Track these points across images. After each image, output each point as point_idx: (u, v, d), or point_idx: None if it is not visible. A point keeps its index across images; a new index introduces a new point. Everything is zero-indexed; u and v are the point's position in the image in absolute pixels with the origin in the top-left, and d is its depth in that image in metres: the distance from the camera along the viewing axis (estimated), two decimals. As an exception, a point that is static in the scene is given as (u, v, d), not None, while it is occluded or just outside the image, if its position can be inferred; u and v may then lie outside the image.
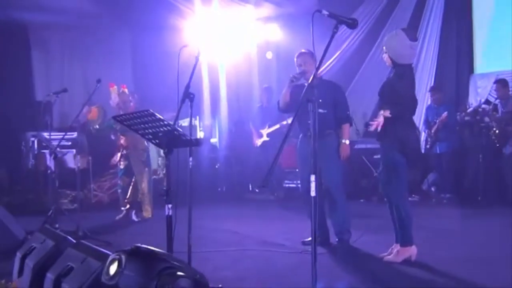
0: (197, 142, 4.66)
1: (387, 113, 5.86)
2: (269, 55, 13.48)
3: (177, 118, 4.68)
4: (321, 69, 6.99)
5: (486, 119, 10.11)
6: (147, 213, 9.28)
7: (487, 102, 10.46)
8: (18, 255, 4.68)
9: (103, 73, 11.30)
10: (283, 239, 7.38)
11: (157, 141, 4.58)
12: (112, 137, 9.45)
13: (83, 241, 4.30)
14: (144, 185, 9.23)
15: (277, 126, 11.57)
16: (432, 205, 10.14)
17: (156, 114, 4.37)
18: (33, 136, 11.09)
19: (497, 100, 10.09)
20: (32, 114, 11.93)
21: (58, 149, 7.94)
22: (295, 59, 7.05)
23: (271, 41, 13.43)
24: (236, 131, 13.35)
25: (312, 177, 3.77)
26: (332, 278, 5.46)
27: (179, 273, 3.32)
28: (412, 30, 7.55)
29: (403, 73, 6.04)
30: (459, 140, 10.65)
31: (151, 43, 12.85)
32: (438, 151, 10.54)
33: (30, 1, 11.57)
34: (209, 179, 12.48)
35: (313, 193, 3.77)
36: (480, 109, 10.34)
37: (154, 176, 11.32)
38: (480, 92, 11.14)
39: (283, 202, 11.08)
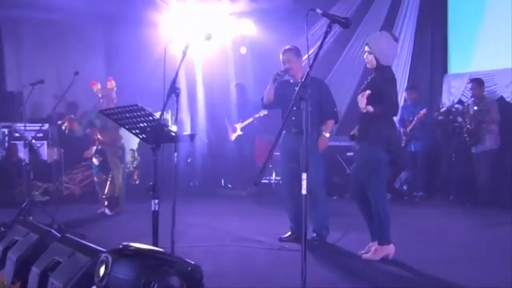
0: (191, 137, 4.63)
1: (371, 108, 5.82)
2: (243, 50, 13.48)
3: (162, 113, 4.62)
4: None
5: (459, 118, 10.25)
6: (120, 207, 9.25)
7: (460, 102, 10.60)
8: (-1, 248, 4.62)
9: (75, 65, 11.15)
10: (260, 235, 7.37)
11: (144, 136, 4.54)
12: (87, 131, 9.34)
13: (68, 235, 4.24)
14: (120, 181, 9.19)
15: (250, 119, 11.62)
16: (404, 203, 10.22)
17: (146, 109, 4.33)
18: (4, 127, 10.93)
19: (471, 99, 10.19)
20: (2, 105, 11.76)
21: (33, 141, 7.84)
22: (280, 56, 7.01)
23: (246, 36, 13.42)
24: (210, 125, 13.34)
25: (304, 175, 3.76)
26: (311, 275, 5.47)
27: (167, 269, 3.31)
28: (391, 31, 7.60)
29: (391, 76, 6.08)
30: (433, 139, 10.78)
31: (125, 37, 12.74)
32: (412, 149, 10.63)
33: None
34: (181, 173, 12.43)
35: (304, 191, 3.76)
36: (453, 109, 10.47)
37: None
38: (453, 92, 11.24)
39: (255, 198, 11.08)
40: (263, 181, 11.86)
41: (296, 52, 6.94)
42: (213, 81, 13.46)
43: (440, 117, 10.65)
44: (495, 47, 10.50)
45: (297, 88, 3.88)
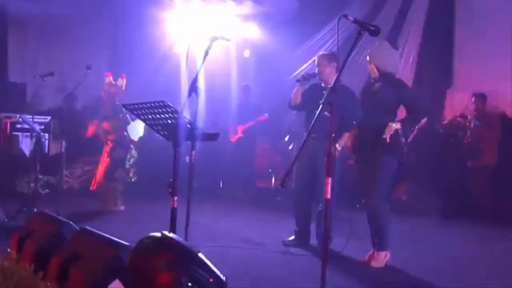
0: (214, 136, 4.65)
1: (398, 126, 5.96)
2: (246, 53, 13.51)
3: (182, 111, 4.64)
4: (301, 68, 7.13)
5: (460, 132, 10.32)
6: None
7: (463, 116, 10.67)
8: (15, 236, 4.61)
9: (79, 60, 11.23)
10: (263, 238, 7.43)
11: (165, 132, 4.57)
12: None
13: (87, 227, 4.25)
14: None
15: (253, 122, 11.66)
16: (402, 213, 10.24)
17: (171, 105, 4.36)
18: (6, 117, 10.88)
19: (473, 114, 10.25)
20: (5, 95, 11.73)
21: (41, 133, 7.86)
22: (315, 58, 7.15)
23: (249, 39, 13.45)
24: (211, 126, 13.34)
25: (328, 180, 3.80)
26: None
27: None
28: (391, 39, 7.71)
29: (399, 80, 6.22)
30: (432, 151, 10.82)
31: (131, 33, 12.75)
32: (412, 160, 10.65)
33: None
34: (181, 173, 12.40)
35: (328, 195, 3.81)
36: (455, 122, 10.54)
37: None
38: (456, 106, 11.30)
39: (255, 202, 11.09)
40: (261, 185, 11.90)
41: (328, 57, 7.01)
42: (215, 82, 13.48)
43: (441, 130, 10.70)
44: (499, 64, 10.56)
45: (325, 93, 3.92)
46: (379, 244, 6.24)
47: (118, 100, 8.98)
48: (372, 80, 6.34)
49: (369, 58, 6.26)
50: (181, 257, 3.21)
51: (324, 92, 3.91)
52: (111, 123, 9.06)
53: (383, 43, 6.39)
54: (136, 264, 3.37)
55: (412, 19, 11.85)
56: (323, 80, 6.95)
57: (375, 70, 6.20)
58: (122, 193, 9.48)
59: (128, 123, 9.30)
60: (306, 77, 6.98)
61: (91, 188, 9.47)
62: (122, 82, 9.16)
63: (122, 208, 9.30)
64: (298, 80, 7.03)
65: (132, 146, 12.77)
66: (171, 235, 3.37)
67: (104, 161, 9.19)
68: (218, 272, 3.35)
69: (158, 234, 3.42)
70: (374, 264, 6.16)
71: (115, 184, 9.29)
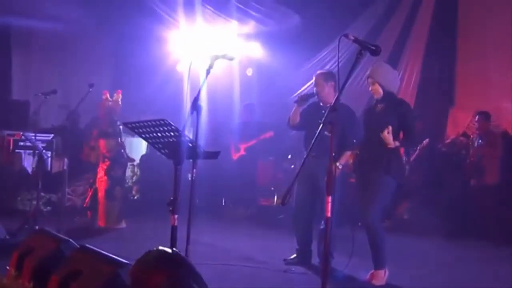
0: (215, 155, 4.65)
1: (397, 143, 5.97)
2: (249, 71, 13.54)
3: (184, 129, 4.66)
4: (304, 87, 7.15)
5: (463, 151, 10.31)
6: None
7: (465, 134, 10.67)
8: (15, 254, 4.60)
9: (82, 78, 11.27)
10: (265, 256, 7.41)
11: (166, 151, 4.58)
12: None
13: (87, 245, 4.25)
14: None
15: (255, 141, 11.67)
16: (404, 232, 10.21)
17: (172, 123, 4.37)
18: (9, 135, 10.93)
19: (476, 132, 10.24)
20: (8, 113, 11.78)
21: (44, 151, 7.88)
22: (313, 78, 7.13)
23: (252, 58, 13.49)
24: (213, 144, 13.34)
25: (329, 198, 3.81)
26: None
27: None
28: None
29: (408, 106, 6.26)
30: (435, 170, 10.80)
31: (134, 51, 12.80)
32: (415, 179, 10.65)
33: (14, 4, 11.48)
34: (183, 191, 12.39)
35: (328, 214, 3.81)
36: (457, 141, 10.53)
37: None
38: (458, 124, 11.31)
39: (256, 219, 11.05)
40: (263, 203, 11.88)
41: (325, 76, 7.03)
42: (217, 101, 13.52)
43: (443, 149, 10.70)
44: (502, 82, 10.58)
45: (324, 112, 3.95)
46: (376, 262, 6.25)
47: (115, 115, 9.02)
48: (376, 101, 6.34)
49: (373, 76, 6.23)
50: (180, 272, 3.20)
51: (323, 111, 3.95)
52: (107, 142, 9.06)
53: (383, 64, 6.43)
54: (137, 279, 3.37)
55: (414, 37, 11.88)
56: (322, 100, 6.97)
57: (380, 90, 6.19)
58: (123, 210, 9.46)
59: (120, 133, 9.31)
60: (304, 98, 7.03)
61: (84, 205, 9.45)
62: (117, 97, 9.21)
63: (124, 225, 9.28)
64: (296, 101, 7.05)
65: (133, 163, 12.90)
66: (170, 250, 3.37)
67: (103, 179, 9.18)
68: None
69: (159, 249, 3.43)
70: (376, 282, 6.16)
71: (115, 202, 9.28)
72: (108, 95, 9.28)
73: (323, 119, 3.94)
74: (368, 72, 6.41)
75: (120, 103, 9.30)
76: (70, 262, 4.05)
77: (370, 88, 6.31)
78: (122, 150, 9.38)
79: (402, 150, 6.33)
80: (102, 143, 9.18)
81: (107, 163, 9.18)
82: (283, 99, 12.36)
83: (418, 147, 10.40)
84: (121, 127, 9.18)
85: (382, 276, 6.19)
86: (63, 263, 4.10)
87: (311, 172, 6.61)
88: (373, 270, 6.29)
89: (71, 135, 10.97)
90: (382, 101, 6.26)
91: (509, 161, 9.90)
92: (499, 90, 10.64)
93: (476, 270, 7.40)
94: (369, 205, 6.15)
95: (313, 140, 4.03)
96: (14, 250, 4.61)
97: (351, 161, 6.71)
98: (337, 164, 6.78)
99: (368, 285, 6.17)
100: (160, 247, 3.41)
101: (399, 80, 6.68)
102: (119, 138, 9.19)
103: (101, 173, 9.19)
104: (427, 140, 10.34)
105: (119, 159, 9.24)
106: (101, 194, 9.19)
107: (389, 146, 5.95)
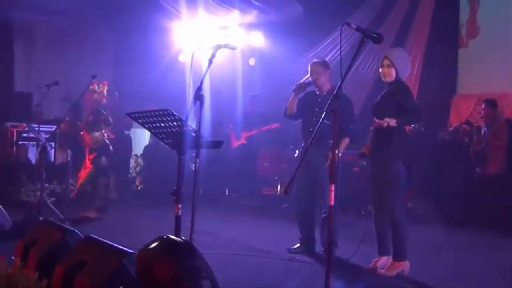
0: (218, 144, 4.66)
1: (393, 122, 5.87)
2: (252, 61, 13.55)
3: (187, 119, 4.67)
4: (307, 76, 7.11)
5: (466, 139, 10.29)
6: None
7: (468, 122, 10.64)
8: (19, 244, 4.62)
9: (85, 69, 11.23)
10: (268, 246, 7.41)
11: (170, 141, 4.59)
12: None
13: (92, 235, 4.26)
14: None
15: (257, 130, 11.69)
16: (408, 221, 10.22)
17: (175, 113, 4.38)
18: (13, 126, 10.96)
19: (482, 120, 10.20)
20: (11, 105, 11.79)
21: (47, 142, 7.90)
22: (308, 67, 7.10)
23: (255, 48, 13.49)
24: (216, 133, 13.35)
25: (332, 187, 3.82)
26: None
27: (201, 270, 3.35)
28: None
29: (407, 88, 6.18)
30: (437, 158, 10.78)
31: (136, 43, 12.80)
32: (418, 167, 10.60)
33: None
34: (186, 180, 12.41)
35: (331, 202, 3.82)
36: (461, 129, 10.51)
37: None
38: (461, 112, 11.29)
39: (260, 209, 11.06)
40: (267, 192, 11.90)
41: (324, 65, 7.07)
42: (220, 90, 13.51)
43: (447, 137, 10.68)
44: (504, 69, 10.55)
45: (320, 100, 3.95)
46: (396, 252, 6.15)
47: (101, 106, 9.03)
48: (386, 85, 6.25)
49: (390, 58, 6.07)
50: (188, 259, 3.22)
51: (319, 99, 3.95)
52: (91, 134, 9.05)
53: (402, 49, 6.33)
54: (145, 266, 3.39)
55: (417, 25, 11.86)
56: (318, 87, 6.96)
57: (393, 73, 6.09)
58: (103, 201, 9.45)
59: (110, 124, 9.28)
60: (302, 87, 7.01)
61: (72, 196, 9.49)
62: (103, 88, 9.19)
63: (100, 215, 9.23)
64: (294, 90, 7.04)
65: (137, 154, 12.92)
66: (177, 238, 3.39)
67: (87, 167, 9.17)
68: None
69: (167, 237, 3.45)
70: (386, 272, 6.10)
71: (97, 191, 9.26)
72: (96, 86, 9.26)
73: (325, 107, 3.94)
74: (387, 53, 6.24)
75: (105, 94, 9.29)
76: (75, 252, 4.07)
77: (382, 70, 6.14)
78: (108, 141, 9.33)
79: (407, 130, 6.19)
80: (86, 135, 9.16)
81: (94, 154, 9.17)
82: (285, 88, 12.36)
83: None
84: (109, 118, 9.16)
85: (400, 267, 6.10)
86: (68, 253, 4.11)
87: (311, 161, 6.58)
88: (377, 258, 6.26)
89: (74, 126, 11.00)
90: (390, 85, 6.18)
91: (512, 149, 9.87)
92: (502, 76, 10.59)
93: (479, 259, 7.40)
94: (385, 196, 6.11)
95: (316, 128, 4.03)
96: (19, 241, 4.63)
97: (364, 151, 6.58)
98: (336, 151, 6.75)
99: (372, 274, 6.15)
100: (169, 235, 3.43)
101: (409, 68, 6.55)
102: (104, 130, 9.16)
103: (87, 163, 9.18)
104: (423, 127, 10.30)
105: (105, 150, 9.23)
106: (80, 181, 9.15)
107: (383, 124, 5.84)
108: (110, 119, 9.26)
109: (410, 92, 6.24)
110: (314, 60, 7.25)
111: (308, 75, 7.06)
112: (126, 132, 12.13)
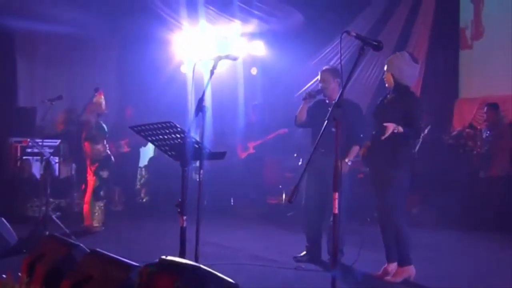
0: (221, 155, 4.67)
1: (401, 129, 5.86)
2: (254, 71, 13.56)
3: (189, 131, 4.68)
4: (308, 84, 7.14)
5: (470, 143, 10.28)
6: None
7: (471, 126, 10.64)
8: (26, 260, 4.63)
9: (87, 81, 11.29)
10: (275, 255, 7.42)
11: (173, 153, 4.60)
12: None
13: (98, 249, 4.26)
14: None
15: (266, 138, 11.71)
16: (412, 226, 10.18)
17: (178, 126, 4.39)
18: (16, 142, 10.97)
19: (484, 124, 10.22)
20: (15, 120, 11.81)
21: (51, 157, 7.92)
22: (319, 74, 7.11)
23: (256, 57, 13.50)
24: (219, 144, 13.35)
25: (335, 195, 3.82)
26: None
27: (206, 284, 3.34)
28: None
29: (416, 98, 6.20)
30: (441, 162, 10.77)
31: (138, 54, 12.82)
32: (421, 171, 10.58)
33: (17, 8, 11.49)
34: (190, 191, 12.40)
35: (335, 210, 3.82)
36: (464, 133, 10.50)
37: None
38: (464, 116, 11.28)
39: (265, 218, 11.06)
40: (272, 201, 11.90)
41: (332, 72, 7.03)
42: (223, 100, 13.53)
43: (450, 141, 10.67)
44: (506, 72, 10.55)
45: (330, 109, 3.95)
46: (400, 259, 6.17)
47: (99, 117, 9.02)
48: (388, 92, 6.30)
49: (387, 66, 6.20)
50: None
51: (329, 108, 3.92)
52: (93, 147, 9.02)
53: (404, 54, 6.31)
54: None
55: (418, 30, 11.88)
56: (328, 96, 6.97)
57: (391, 79, 6.15)
58: (105, 213, 9.41)
59: (106, 134, 9.25)
60: (312, 95, 7.01)
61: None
62: (99, 98, 9.11)
63: (102, 228, 9.20)
64: (304, 98, 7.04)
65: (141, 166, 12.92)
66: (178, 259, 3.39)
67: (92, 180, 9.14)
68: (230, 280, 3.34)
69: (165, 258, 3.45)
70: (393, 278, 6.10)
71: (100, 203, 9.23)
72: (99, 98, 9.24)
73: (327, 115, 3.95)
74: (387, 59, 6.35)
75: (102, 104, 9.22)
76: (81, 267, 4.06)
77: (384, 76, 6.29)
78: (109, 152, 9.30)
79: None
80: (88, 147, 9.13)
81: (96, 164, 9.14)
82: (288, 97, 12.40)
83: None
84: (105, 126, 9.13)
85: (405, 273, 6.10)
86: (74, 268, 4.11)
87: (320, 169, 6.58)
88: (386, 265, 6.26)
89: (78, 139, 11.00)
90: (392, 92, 6.22)
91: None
92: (505, 79, 10.59)
93: (484, 261, 7.40)
94: (387, 204, 6.10)
95: (318, 137, 4.03)
96: (25, 256, 4.64)
97: (361, 153, 6.63)
98: (346, 160, 6.77)
99: (380, 281, 6.14)
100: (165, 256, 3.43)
101: (418, 74, 6.56)
102: (104, 140, 9.15)
103: (90, 174, 9.15)
104: (428, 127, 10.28)
105: (107, 162, 9.21)
106: (88, 193, 9.12)
107: (388, 133, 5.83)
108: (105, 128, 9.21)
109: (418, 103, 6.24)
110: (324, 67, 7.23)
111: (315, 80, 7.07)
112: (144, 147, 12.22)
